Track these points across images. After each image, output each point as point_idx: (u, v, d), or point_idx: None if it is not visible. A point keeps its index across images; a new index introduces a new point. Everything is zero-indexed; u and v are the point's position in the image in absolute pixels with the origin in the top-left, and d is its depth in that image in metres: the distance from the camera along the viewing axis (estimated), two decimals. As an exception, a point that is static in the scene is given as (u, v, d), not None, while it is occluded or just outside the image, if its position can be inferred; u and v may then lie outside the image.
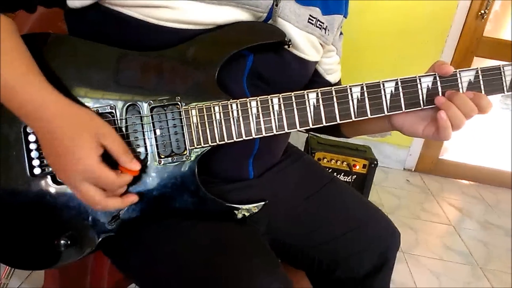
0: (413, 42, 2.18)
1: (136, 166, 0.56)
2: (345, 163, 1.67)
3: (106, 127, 0.54)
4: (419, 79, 0.61)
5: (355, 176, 1.68)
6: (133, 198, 0.58)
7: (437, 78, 0.61)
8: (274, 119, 0.60)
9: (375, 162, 1.67)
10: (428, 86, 0.61)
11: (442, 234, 1.87)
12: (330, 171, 1.68)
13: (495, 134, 2.63)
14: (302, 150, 1.27)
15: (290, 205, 0.77)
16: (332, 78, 0.82)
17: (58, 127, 0.51)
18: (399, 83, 0.60)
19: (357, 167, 1.67)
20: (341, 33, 0.81)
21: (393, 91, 0.61)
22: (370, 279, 0.78)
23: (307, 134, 1.75)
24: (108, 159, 0.54)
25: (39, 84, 0.52)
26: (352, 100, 0.60)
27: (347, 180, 1.67)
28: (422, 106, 0.61)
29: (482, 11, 2.09)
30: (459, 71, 0.61)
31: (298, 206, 0.78)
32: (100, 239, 0.60)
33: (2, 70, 0.50)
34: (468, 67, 0.61)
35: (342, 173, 1.68)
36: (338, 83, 0.85)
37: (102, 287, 0.79)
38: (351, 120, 0.61)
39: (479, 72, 0.61)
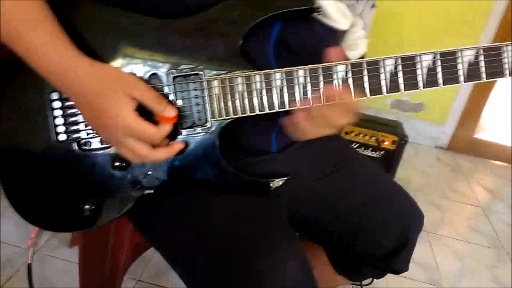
0: (454, 22, 2.05)
1: (171, 113, 0.54)
2: (373, 138, 1.62)
3: (134, 79, 0.53)
4: (460, 52, 0.56)
5: (383, 152, 1.63)
6: (180, 145, 0.57)
7: (481, 52, 0.55)
8: (299, 92, 0.57)
9: (405, 139, 1.61)
10: (470, 60, 0.56)
11: (469, 215, 1.81)
12: (357, 145, 1.66)
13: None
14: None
15: (312, 180, 0.76)
16: (354, 54, 0.77)
17: (89, 91, 0.51)
18: (438, 56, 0.56)
19: (386, 142, 1.62)
20: (373, 6, 0.76)
21: (430, 64, 0.56)
22: (390, 258, 0.76)
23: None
24: (145, 113, 0.53)
25: (66, 47, 0.51)
26: (385, 73, 0.57)
27: (375, 156, 1.63)
28: (463, 82, 0.56)
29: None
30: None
31: (320, 180, 0.76)
32: (126, 207, 0.61)
33: (29, 33, 0.49)
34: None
35: (370, 148, 1.64)
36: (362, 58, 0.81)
37: (123, 247, 0.83)
38: (382, 96, 0.58)
39: None
